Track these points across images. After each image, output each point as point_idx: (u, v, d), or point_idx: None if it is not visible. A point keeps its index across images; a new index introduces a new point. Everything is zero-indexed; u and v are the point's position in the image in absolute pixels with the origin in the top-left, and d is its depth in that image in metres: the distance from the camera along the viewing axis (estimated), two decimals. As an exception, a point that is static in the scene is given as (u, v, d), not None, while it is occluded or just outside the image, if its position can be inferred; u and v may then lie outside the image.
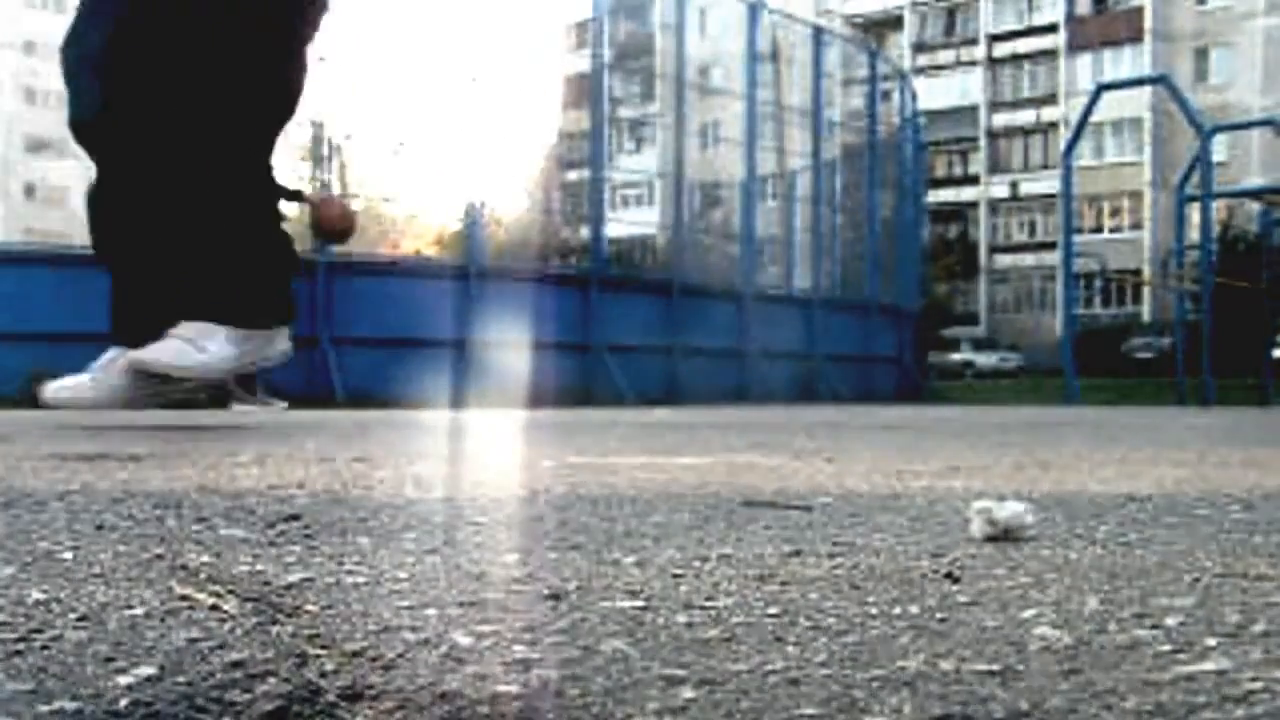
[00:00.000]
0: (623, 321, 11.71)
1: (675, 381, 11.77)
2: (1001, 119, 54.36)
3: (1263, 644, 0.69)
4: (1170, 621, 0.76)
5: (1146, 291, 44.26)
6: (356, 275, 10.50)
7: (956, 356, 43.21)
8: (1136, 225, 49.56)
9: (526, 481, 1.84)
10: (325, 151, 10.82)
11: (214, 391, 7.11)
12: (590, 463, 2.26)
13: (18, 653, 0.67)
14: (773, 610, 0.81)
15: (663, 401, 10.14)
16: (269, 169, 3.80)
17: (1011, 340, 47.87)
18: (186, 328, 3.55)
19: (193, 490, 1.65)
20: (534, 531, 1.26)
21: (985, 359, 43.87)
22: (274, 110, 3.71)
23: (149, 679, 0.62)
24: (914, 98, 18.52)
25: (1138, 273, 43.07)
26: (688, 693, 0.60)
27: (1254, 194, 18.64)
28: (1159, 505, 1.54)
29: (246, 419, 3.66)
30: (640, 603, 0.83)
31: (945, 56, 55.89)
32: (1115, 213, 50.50)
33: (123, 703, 0.59)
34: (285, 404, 7.67)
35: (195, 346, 3.51)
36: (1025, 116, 53.66)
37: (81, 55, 3.51)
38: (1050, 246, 46.27)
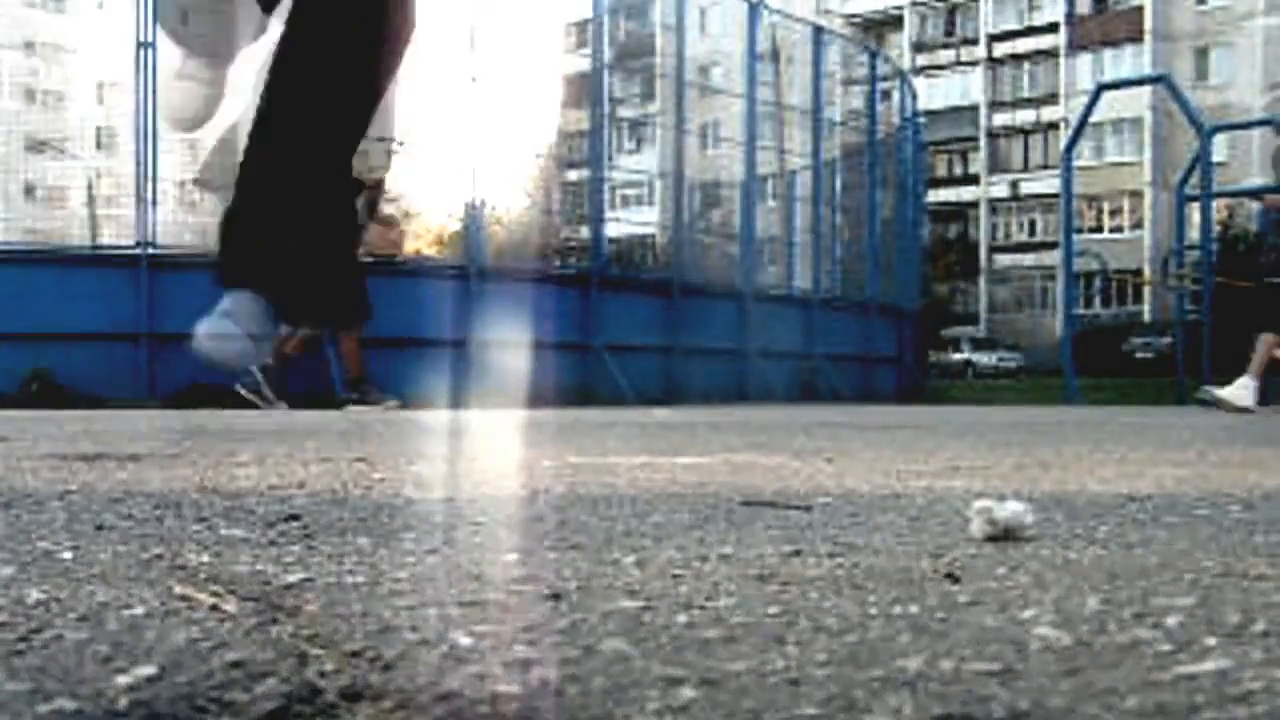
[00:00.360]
0: (623, 321, 11.69)
1: (675, 381, 11.75)
2: (1001, 119, 54.36)
3: (1263, 644, 0.69)
4: (1170, 621, 0.76)
5: (1146, 291, 44.24)
6: (356, 275, 10.49)
7: (957, 356, 43.20)
8: (1136, 225, 49.57)
9: (526, 481, 1.83)
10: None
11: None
12: (590, 463, 2.25)
13: (18, 653, 0.67)
14: (773, 610, 0.81)
15: (663, 401, 10.13)
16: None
17: (1011, 340, 47.85)
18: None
19: (193, 490, 1.65)
20: (534, 531, 1.26)
21: (985, 359, 43.84)
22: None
23: (149, 679, 0.62)
24: (914, 98, 18.50)
25: (1138, 273, 43.05)
26: (688, 693, 0.60)
27: (1254, 194, 18.64)
28: (1159, 505, 1.53)
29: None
30: (640, 603, 0.83)
31: (945, 56, 55.89)
32: (1115, 213, 50.51)
33: (122, 703, 0.58)
34: (396, 401, 7.96)
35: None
36: (1025, 116, 53.66)
37: None
38: (1050, 246, 46.27)
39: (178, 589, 0.88)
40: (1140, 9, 50.10)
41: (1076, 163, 14.88)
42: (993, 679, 0.61)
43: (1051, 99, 52.44)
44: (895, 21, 56.78)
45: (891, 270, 16.80)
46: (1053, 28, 52.98)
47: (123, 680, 0.62)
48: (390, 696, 0.60)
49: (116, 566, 0.99)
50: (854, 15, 55.90)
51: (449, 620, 0.77)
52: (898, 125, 18.40)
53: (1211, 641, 0.69)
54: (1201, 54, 48.56)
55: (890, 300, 16.22)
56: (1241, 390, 8.56)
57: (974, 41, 55.03)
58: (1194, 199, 13.85)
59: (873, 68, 17.37)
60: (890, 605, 0.82)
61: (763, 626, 0.75)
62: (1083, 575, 0.96)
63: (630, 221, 25.31)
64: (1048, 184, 47.91)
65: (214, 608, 0.81)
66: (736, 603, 0.83)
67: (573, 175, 24.57)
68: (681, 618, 0.78)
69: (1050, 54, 53.03)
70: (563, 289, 11.48)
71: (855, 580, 0.94)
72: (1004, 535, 1.18)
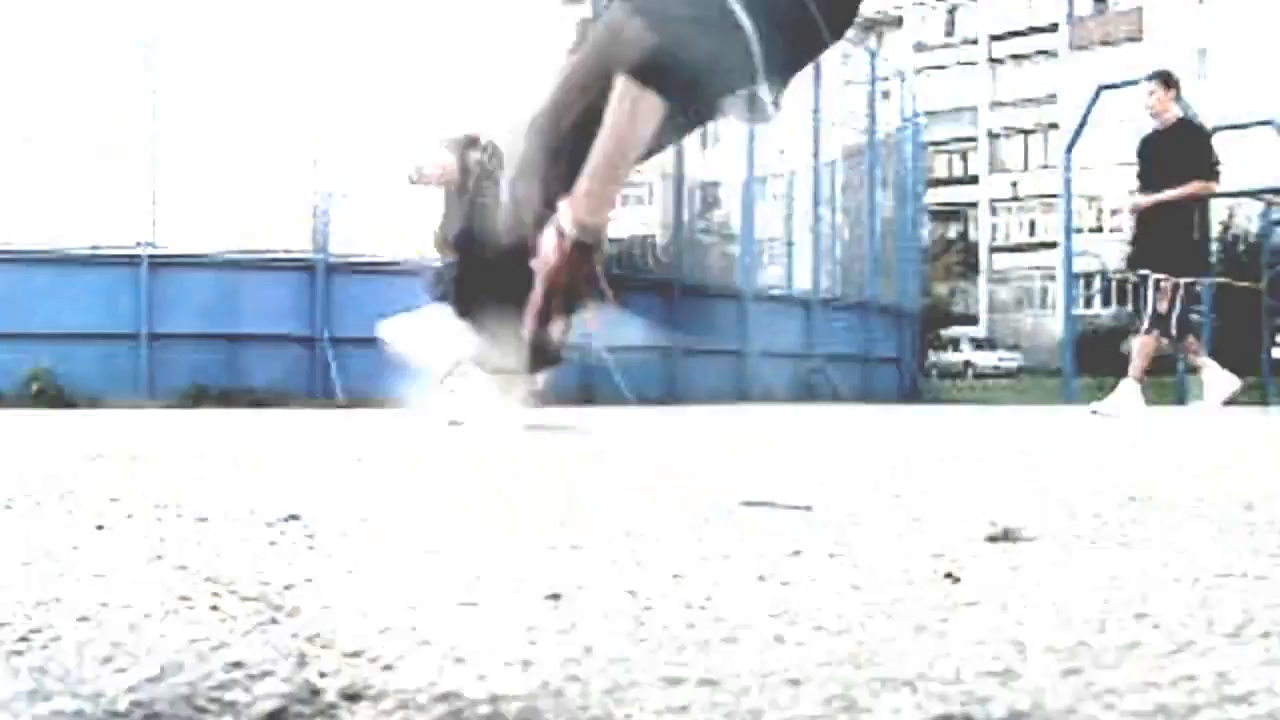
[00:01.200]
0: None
1: (675, 381, 11.76)
2: (1001, 119, 54.37)
3: (1263, 644, 0.69)
4: (1170, 621, 0.76)
5: (1147, 291, 44.17)
6: (356, 275, 10.50)
7: (956, 356, 43.17)
8: (1137, 225, 49.52)
9: (526, 481, 1.83)
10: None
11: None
12: (589, 462, 2.25)
13: (18, 653, 0.67)
14: (773, 610, 0.81)
15: (663, 401, 10.13)
16: None
17: (1011, 340, 47.82)
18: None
19: (193, 490, 1.65)
20: (536, 531, 1.26)
21: (985, 359, 43.79)
22: None
23: (149, 679, 0.62)
24: (914, 98, 18.50)
25: (1138, 273, 42.96)
26: (688, 693, 0.59)
27: (1254, 194, 18.63)
28: (1159, 505, 1.53)
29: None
30: (640, 603, 0.83)
31: (945, 56, 55.91)
32: (1115, 212, 50.51)
33: (123, 703, 0.58)
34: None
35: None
36: (1025, 116, 53.68)
37: None
38: (1050, 246, 46.27)
39: (178, 589, 0.88)
40: (1140, 9, 50.12)
41: (1076, 163, 14.87)
42: (993, 679, 0.61)
43: (1051, 99, 52.45)
44: (895, 21, 56.81)
45: (891, 270, 16.80)
46: (1053, 28, 53.01)
47: (123, 680, 0.62)
48: (390, 696, 0.60)
49: (117, 566, 0.99)
50: (854, 15, 55.81)
51: (449, 620, 0.77)
52: (898, 125, 18.41)
53: (1211, 641, 0.69)
54: (1202, 54, 48.55)
55: (890, 300, 16.23)
56: (1224, 385, 8.58)
57: (974, 41, 55.06)
58: (1193, 199, 13.82)
59: (873, 68, 17.37)
60: (890, 605, 0.82)
61: (763, 626, 0.75)
62: (1083, 575, 0.96)
63: (630, 222, 25.33)
64: (1048, 184, 47.91)
65: (214, 608, 0.81)
66: (736, 603, 0.83)
67: (573, 175, 24.51)
68: (681, 618, 0.78)
69: (1050, 54, 53.06)
70: (563, 289, 11.46)
71: (855, 580, 0.94)
72: (1004, 535, 1.18)
